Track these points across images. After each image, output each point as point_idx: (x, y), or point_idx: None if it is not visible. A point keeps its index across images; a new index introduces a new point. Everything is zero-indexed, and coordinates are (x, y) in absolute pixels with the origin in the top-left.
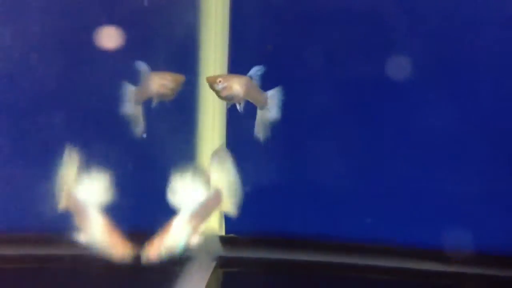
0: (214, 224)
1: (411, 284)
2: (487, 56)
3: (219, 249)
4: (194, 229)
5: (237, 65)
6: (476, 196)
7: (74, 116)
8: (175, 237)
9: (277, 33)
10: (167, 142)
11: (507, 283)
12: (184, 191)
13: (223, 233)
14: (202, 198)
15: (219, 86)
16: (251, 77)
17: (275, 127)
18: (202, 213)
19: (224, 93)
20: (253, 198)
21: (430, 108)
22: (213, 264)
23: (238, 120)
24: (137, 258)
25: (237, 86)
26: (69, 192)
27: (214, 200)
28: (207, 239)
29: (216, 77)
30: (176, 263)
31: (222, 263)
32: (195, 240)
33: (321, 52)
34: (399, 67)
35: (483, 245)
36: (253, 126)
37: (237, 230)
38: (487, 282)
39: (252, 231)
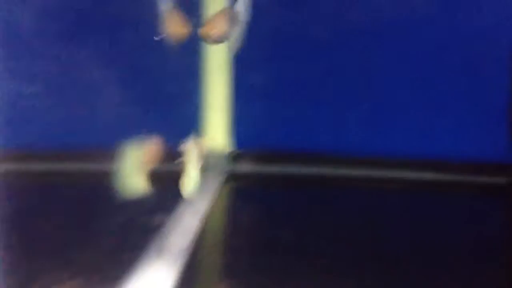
0: (221, 141)
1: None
2: None
3: (226, 165)
4: None
5: None
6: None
7: None
8: None
9: None
10: None
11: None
12: None
13: (229, 149)
14: None
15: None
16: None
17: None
18: None
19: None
20: (257, 115)
21: None
22: (221, 179)
23: None
24: None
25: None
26: None
27: None
28: (215, 155)
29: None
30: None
31: (230, 178)
32: None
33: None
34: None
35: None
36: None
37: (243, 146)
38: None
39: (257, 147)
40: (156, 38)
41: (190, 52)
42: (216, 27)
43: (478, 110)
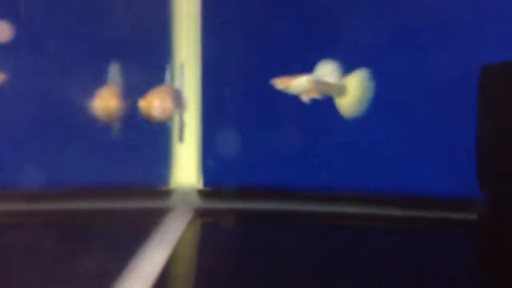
0: (192, 177)
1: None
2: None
3: (196, 201)
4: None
5: None
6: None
7: None
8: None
9: None
10: None
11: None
12: None
13: (201, 186)
14: None
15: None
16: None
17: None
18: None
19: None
20: (227, 151)
21: None
22: (191, 214)
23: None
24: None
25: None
26: None
27: None
28: (185, 191)
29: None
30: (154, 214)
31: (200, 213)
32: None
33: None
34: None
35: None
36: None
37: (214, 182)
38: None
39: (228, 184)
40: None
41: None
42: (156, 103)
43: (447, 146)
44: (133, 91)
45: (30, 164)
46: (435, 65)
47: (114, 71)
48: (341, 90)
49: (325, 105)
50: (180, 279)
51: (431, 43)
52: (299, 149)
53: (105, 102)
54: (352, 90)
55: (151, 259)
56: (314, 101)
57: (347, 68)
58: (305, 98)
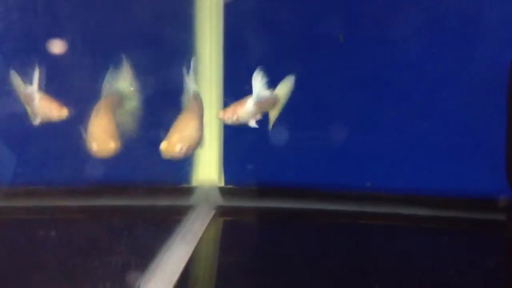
0: (214, 175)
1: (400, 228)
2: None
3: (218, 199)
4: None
5: None
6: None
7: None
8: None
9: None
10: None
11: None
12: None
13: (222, 184)
14: None
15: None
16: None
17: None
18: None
19: None
20: (248, 149)
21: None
22: (213, 213)
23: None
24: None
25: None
26: None
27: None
28: (207, 189)
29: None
30: (177, 211)
31: (221, 211)
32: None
33: None
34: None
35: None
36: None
37: (235, 181)
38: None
39: (249, 182)
40: None
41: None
42: (179, 148)
43: (476, 146)
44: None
45: (64, 161)
46: (464, 60)
47: (109, 78)
48: (277, 103)
49: (347, 104)
50: (202, 276)
51: (459, 36)
52: (321, 148)
53: (102, 145)
54: (283, 100)
55: (174, 256)
56: (335, 99)
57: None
58: (253, 123)
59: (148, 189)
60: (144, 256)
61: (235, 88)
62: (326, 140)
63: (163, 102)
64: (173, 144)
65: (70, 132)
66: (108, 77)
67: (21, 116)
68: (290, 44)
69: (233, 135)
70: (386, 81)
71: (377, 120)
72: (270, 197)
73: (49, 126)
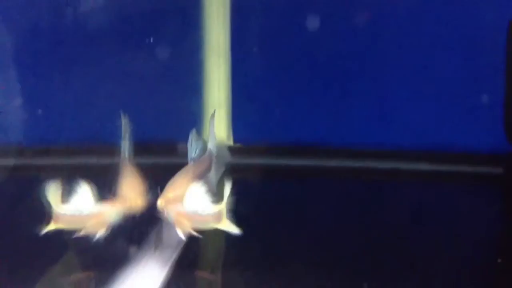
0: (222, 134)
1: (404, 183)
2: None
3: (228, 157)
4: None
5: None
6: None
7: None
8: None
9: None
10: None
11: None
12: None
13: (231, 142)
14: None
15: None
16: None
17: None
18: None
19: None
20: (258, 110)
21: None
22: (222, 170)
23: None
24: None
25: None
26: None
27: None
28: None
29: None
30: None
31: (230, 169)
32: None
33: None
34: None
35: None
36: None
37: (244, 139)
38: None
39: (258, 141)
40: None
41: (190, 44)
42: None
43: (474, 101)
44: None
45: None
46: (463, 20)
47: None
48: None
49: (353, 62)
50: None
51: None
52: (327, 106)
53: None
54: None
55: None
56: (342, 55)
57: None
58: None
59: (156, 147)
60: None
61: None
62: (330, 99)
63: None
64: (167, 202)
65: None
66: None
67: None
68: None
69: (242, 94)
70: (387, 39)
71: (378, 78)
72: (277, 155)
73: None
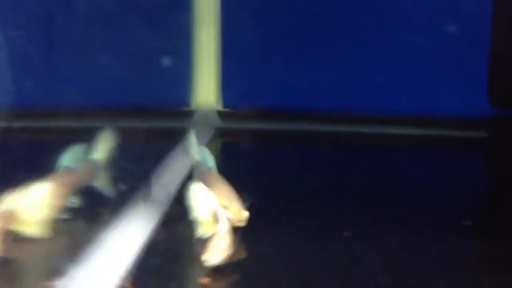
0: (212, 99)
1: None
2: None
3: (216, 121)
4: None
5: None
6: None
7: None
8: None
9: None
10: None
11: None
12: None
13: (220, 107)
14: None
15: None
16: None
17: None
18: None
19: None
20: (248, 74)
21: None
22: (211, 134)
23: None
24: None
25: None
26: None
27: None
28: (206, 112)
29: None
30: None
31: (220, 133)
32: None
33: None
34: None
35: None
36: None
37: (233, 104)
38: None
39: (247, 105)
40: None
41: (179, 10)
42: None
43: (459, 66)
44: None
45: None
46: None
47: None
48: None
49: (344, 27)
50: None
51: None
52: (316, 72)
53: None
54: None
55: (175, 169)
56: (333, 20)
57: None
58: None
59: (148, 111)
60: (147, 166)
61: None
62: (321, 64)
63: None
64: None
65: None
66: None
67: None
68: None
69: (231, 59)
70: (379, 10)
71: (367, 45)
72: (266, 119)
73: None
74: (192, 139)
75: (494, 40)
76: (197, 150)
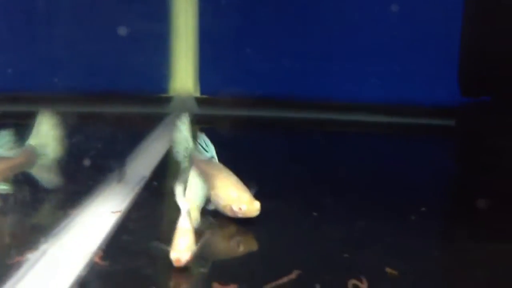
0: (190, 86)
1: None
2: None
3: (194, 107)
4: None
5: None
6: None
7: None
8: None
9: None
10: None
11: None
12: None
13: (198, 94)
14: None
15: None
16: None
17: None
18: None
19: None
20: (226, 62)
21: None
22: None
23: None
24: None
25: None
26: None
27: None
28: (184, 98)
29: None
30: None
31: (197, 120)
32: None
33: None
34: None
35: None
36: None
37: (211, 91)
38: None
39: (224, 92)
40: None
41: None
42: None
43: (430, 56)
44: None
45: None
46: None
47: None
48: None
49: (321, 15)
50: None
51: None
52: (291, 60)
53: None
54: None
55: (151, 152)
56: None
57: None
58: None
59: (126, 97)
60: (127, 145)
61: None
62: (296, 52)
63: None
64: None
65: None
66: None
67: None
68: None
69: (209, 46)
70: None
71: (340, 35)
72: (243, 106)
73: None
74: (184, 125)
75: (465, 30)
76: (190, 136)
